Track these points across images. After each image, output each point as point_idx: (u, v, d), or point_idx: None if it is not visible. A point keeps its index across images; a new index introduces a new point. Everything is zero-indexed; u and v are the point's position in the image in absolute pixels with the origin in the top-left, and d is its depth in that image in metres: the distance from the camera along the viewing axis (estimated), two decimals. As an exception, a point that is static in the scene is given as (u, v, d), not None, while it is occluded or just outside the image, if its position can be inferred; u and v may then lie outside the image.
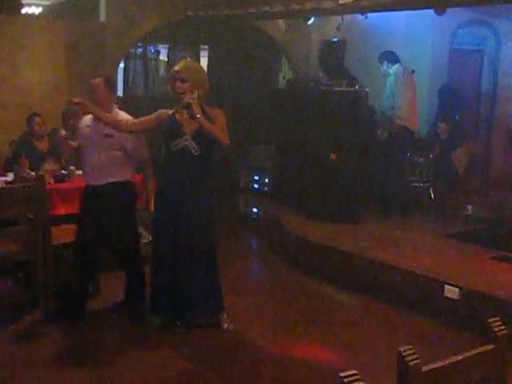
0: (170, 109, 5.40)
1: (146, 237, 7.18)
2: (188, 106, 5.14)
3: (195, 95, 5.16)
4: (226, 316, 5.59)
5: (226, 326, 5.55)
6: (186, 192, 5.29)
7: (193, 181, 5.30)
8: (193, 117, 5.12)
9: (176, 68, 5.31)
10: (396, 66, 8.62)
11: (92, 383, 4.63)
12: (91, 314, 5.90)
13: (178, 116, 5.32)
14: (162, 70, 11.15)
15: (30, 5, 9.00)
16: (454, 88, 9.68)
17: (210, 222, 5.45)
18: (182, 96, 5.18)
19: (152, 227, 5.66)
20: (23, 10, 8.86)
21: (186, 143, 5.24)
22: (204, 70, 5.50)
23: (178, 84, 5.22)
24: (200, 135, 5.21)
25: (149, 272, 5.63)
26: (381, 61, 8.69)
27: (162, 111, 5.45)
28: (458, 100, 9.69)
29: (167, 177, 5.42)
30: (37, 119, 7.79)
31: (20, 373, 4.72)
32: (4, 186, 6.23)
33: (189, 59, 5.76)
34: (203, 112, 5.17)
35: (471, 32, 10.27)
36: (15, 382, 4.59)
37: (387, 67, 8.63)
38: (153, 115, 5.47)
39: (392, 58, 8.64)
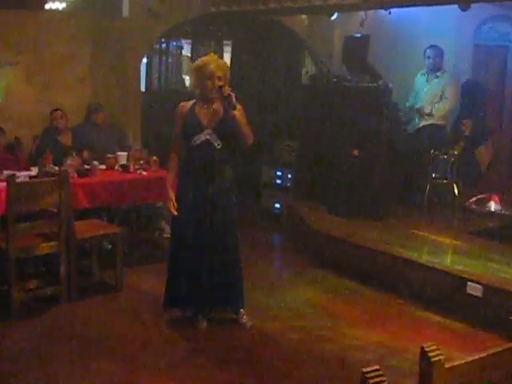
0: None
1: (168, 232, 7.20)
2: (228, 98, 5.12)
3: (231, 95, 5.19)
4: (244, 312, 5.61)
5: (244, 322, 5.57)
6: (207, 187, 5.30)
7: (214, 175, 5.30)
8: (232, 108, 5.12)
9: (212, 67, 5.22)
10: (447, 74, 8.79)
11: (114, 375, 4.66)
12: (114, 309, 5.94)
13: (197, 109, 5.33)
14: (185, 66, 11.15)
15: (53, 0, 9.02)
16: (478, 84, 9.61)
17: (231, 218, 5.46)
18: (222, 89, 5.15)
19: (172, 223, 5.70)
20: (47, 6, 8.88)
21: (208, 137, 5.24)
22: (226, 62, 5.50)
23: (217, 82, 5.19)
24: (222, 128, 5.22)
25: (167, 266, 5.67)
26: (433, 51, 8.77)
27: (181, 106, 5.46)
28: (482, 96, 9.61)
29: (189, 172, 5.44)
30: (58, 114, 7.83)
31: (45, 366, 4.77)
32: (28, 180, 6.27)
33: (213, 54, 5.69)
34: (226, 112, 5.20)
35: (495, 28, 10.18)
36: (37, 375, 4.63)
37: (438, 65, 8.75)
38: (176, 121, 5.47)
39: (443, 56, 8.79)
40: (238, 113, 5.19)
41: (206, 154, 5.27)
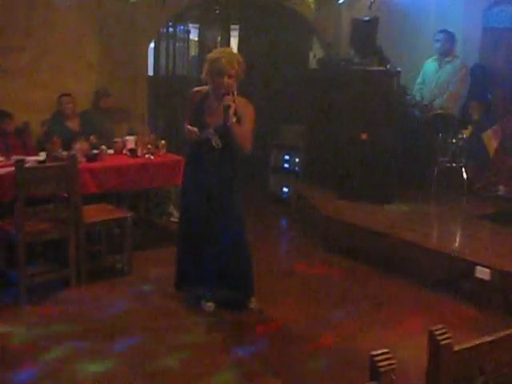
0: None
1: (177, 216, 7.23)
2: (226, 109, 5.06)
3: (235, 94, 5.15)
4: (254, 297, 5.63)
5: (253, 305, 5.59)
6: (208, 179, 5.32)
7: (218, 164, 5.31)
8: (227, 120, 5.07)
9: (223, 62, 5.11)
10: (458, 60, 8.77)
11: (125, 358, 4.69)
12: (123, 292, 5.97)
13: (206, 104, 5.31)
14: (192, 50, 11.14)
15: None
16: (486, 67, 9.57)
17: (234, 208, 5.47)
18: (225, 97, 5.09)
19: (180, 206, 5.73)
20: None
21: (210, 136, 5.22)
22: (240, 56, 5.34)
23: (226, 80, 5.12)
24: (222, 131, 5.17)
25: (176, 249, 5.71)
26: (443, 36, 8.75)
27: (193, 93, 5.43)
28: (491, 79, 9.57)
29: (193, 160, 5.47)
30: (66, 99, 7.84)
31: (56, 349, 4.80)
32: (37, 165, 6.28)
33: (227, 47, 5.61)
34: (235, 108, 5.13)
35: (504, 10, 10.12)
36: (48, 358, 4.66)
37: (448, 50, 8.75)
38: (187, 105, 5.47)
39: (454, 41, 8.78)
40: (234, 126, 5.09)
41: (207, 150, 5.27)
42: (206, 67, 5.26)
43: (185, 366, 4.63)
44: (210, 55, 5.29)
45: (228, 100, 5.08)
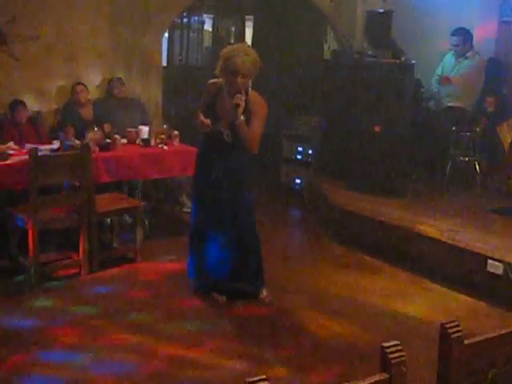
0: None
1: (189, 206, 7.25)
2: (235, 108, 5.04)
3: (248, 92, 5.14)
4: (265, 288, 5.63)
5: (264, 296, 5.60)
6: (222, 167, 5.31)
7: (229, 157, 5.30)
8: (235, 119, 5.06)
9: (237, 61, 5.05)
10: (478, 57, 8.72)
11: (137, 346, 4.71)
12: (135, 281, 5.99)
13: (219, 99, 5.29)
14: (206, 40, 11.14)
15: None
16: (501, 61, 9.52)
17: (247, 197, 5.48)
18: (236, 96, 5.06)
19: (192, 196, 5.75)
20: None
21: (222, 129, 5.22)
22: (257, 55, 5.23)
23: (240, 80, 5.08)
24: (233, 127, 5.17)
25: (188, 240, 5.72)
26: (460, 38, 8.71)
27: (210, 84, 5.40)
28: (506, 73, 9.53)
29: (204, 150, 5.48)
30: (80, 87, 7.85)
31: (68, 337, 4.82)
32: (50, 153, 6.30)
33: (243, 44, 5.51)
34: (246, 105, 5.10)
35: (520, 4, 10.07)
36: (61, 346, 4.69)
37: (467, 50, 8.71)
38: (203, 95, 5.43)
39: (472, 38, 8.72)
40: (242, 125, 5.08)
41: (219, 142, 5.26)
42: (219, 63, 5.20)
43: (195, 357, 4.65)
44: (225, 51, 5.23)
45: (238, 99, 5.05)
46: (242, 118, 5.07)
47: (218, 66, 5.23)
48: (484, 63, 8.78)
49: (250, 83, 5.23)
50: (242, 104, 5.05)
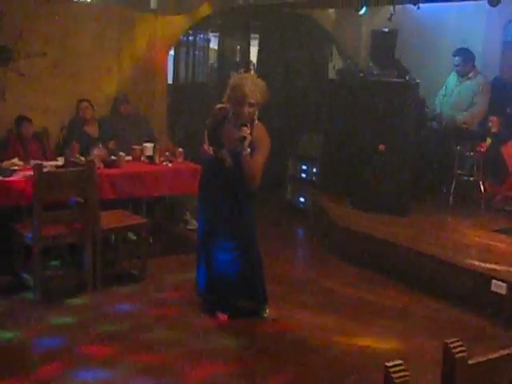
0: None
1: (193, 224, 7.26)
2: (242, 140, 5.02)
3: (254, 122, 5.15)
4: (267, 306, 5.63)
5: (267, 314, 5.60)
6: (224, 190, 5.32)
7: (230, 181, 5.27)
8: (240, 152, 5.05)
9: (245, 91, 5.03)
10: (481, 77, 8.78)
11: (134, 362, 4.70)
12: (139, 299, 5.98)
13: (223, 129, 5.27)
14: (211, 59, 11.17)
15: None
16: (506, 81, 9.54)
17: (249, 217, 5.46)
18: (242, 128, 5.03)
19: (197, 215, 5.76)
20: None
21: (223, 156, 5.22)
22: (264, 84, 5.21)
23: (247, 109, 5.07)
24: (236, 156, 5.16)
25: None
26: (460, 58, 8.77)
27: (217, 110, 5.38)
28: (510, 93, 9.55)
29: (208, 170, 5.49)
30: (85, 104, 7.89)
31: (69, 355, 4.81)
32: (55, 170, 6.31)
33: (252, 74, 5.49)
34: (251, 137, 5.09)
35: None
36: (60, 365, 4.67)
37: (468, 70, 8.77)
38: (209, 121, 5.42)
39: (473, 58, 8.77)
40: (246, 158, 5.05)
41: (221, 167, 5.25)
42: (227, 92, 5.19)
43: (197, 374, 4.63)
44: (233, 81, 5.21)
45: (244, 132, 5.02)
46: (248, 150, 5.05)
47: (226, 96, 5.23)
48: (487, 86, 8.80)
49: (256, 114, 5.23)
50: (249, 137, 5.03)
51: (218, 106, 5.40)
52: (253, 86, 5.08)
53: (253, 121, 5.18)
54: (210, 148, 5.22)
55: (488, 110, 8.94)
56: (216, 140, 5.26)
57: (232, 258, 5.43)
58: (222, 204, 5.34)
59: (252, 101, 5.07)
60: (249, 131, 5.05)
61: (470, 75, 8.78)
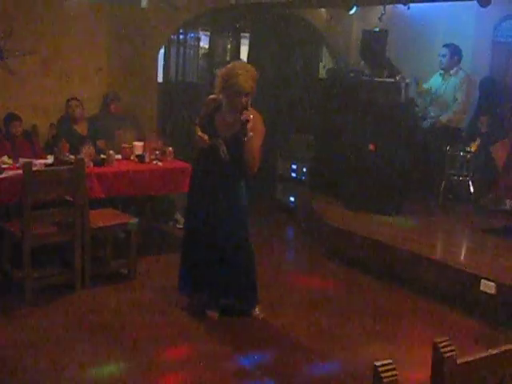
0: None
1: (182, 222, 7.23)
2: (244, 124, 5.01)
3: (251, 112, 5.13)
4: (258, 305, 5.62)
5: (257, 314, 5.59)
6: (216, 183, 5.31)
7: (223, 173, 5.28)
8: (244, 135, 5.03)
9: (240, 81, 5.04)
10: (462, 73, 8.83)
11: (125, 362, 4.68)
12: (127, 297, 5.96)
13: (217, 117, 5.29)
14: (202, 57, 11.15)
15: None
16: (496, 81, 9.57)
17: (240, 214, 5.44)
18: (244, 112, 5.03)
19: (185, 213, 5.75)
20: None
21: (218, 145, 5.20)
22: (254, 69, 5.26)
23: (244, 99, 5.07)
24: (232, 144, 5.16)
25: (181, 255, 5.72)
26: (448, 49, 8.84)
27: (209, 101, 5.38)
28: (500, 93, 9.57)
29: (199, 168, 5.47)
30: (74, 103, 7.87)
31: (58, 353, 4.80)
32: (44, 168, 6.29)
33: (242, 62, 5.48)
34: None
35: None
36: (49, 362, 4.66)
37: (453, 64, 8.83)
38: (202, 112, 5.41)
39: (460, 54, 8.82)
40: (250, 141, 5.06)
41: (214, 160, 5.25)
42: (219, 83, 5.19)
43: (187, 374, 4.63)
44: (224, 72, 5.20)
45: (246, 115, 5.02)
46: (251, 134, 5.05)
47: (216, 86, 5.23)
48: (470, 80, 8.84)
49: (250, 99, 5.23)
50: (252, 120, 5.04)
51: (211, 96, 5.40)
52: (246, 76, 5.11)
53: (250, 119, 5.15)
54: (205, 135, 5.18)
55: (478, 109, 8.97)
56: (210, 130, 5.25)
57: (224, 256, 5.41)
58: (212, 200, 5.33)
59: (248, 90, 5.09)
60: (250, 114, 5.06)
61: (453, 71, 8.81)
